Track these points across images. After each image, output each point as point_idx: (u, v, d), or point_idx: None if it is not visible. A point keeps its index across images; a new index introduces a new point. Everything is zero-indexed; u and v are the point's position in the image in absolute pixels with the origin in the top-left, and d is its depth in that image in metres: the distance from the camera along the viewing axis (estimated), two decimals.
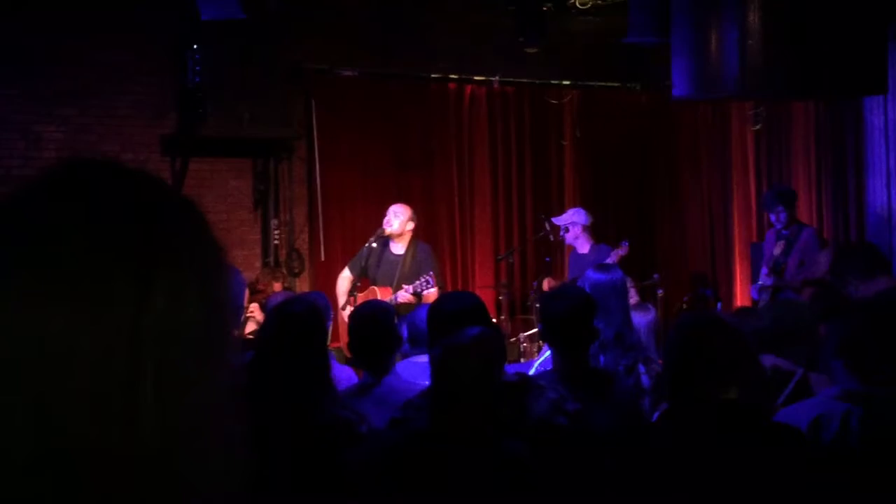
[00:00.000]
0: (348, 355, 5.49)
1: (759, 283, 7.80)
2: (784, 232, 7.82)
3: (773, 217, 7.93)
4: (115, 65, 8.23)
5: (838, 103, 8.58)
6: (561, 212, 8.72)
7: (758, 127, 9.72)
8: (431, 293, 6.70)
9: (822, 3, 5.85)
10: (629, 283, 8.38)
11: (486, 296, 9.47)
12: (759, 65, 5.87)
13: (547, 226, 8.48)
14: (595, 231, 8.22)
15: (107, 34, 8.18)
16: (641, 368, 3.80)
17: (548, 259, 9.31)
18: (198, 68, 7.97)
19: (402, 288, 6.93)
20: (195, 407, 0.70)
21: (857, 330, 2.93)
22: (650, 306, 4.81)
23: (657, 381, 3.65)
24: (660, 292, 8.46)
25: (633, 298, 8.53)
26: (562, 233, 8.10)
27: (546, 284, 8.10)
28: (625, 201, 10.54)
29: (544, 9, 9.14)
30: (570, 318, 3.55)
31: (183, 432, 0.68)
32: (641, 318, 4.41)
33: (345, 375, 4.03)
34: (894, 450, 2.81)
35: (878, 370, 2.91)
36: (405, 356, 4.07)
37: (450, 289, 8.85)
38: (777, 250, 7.73)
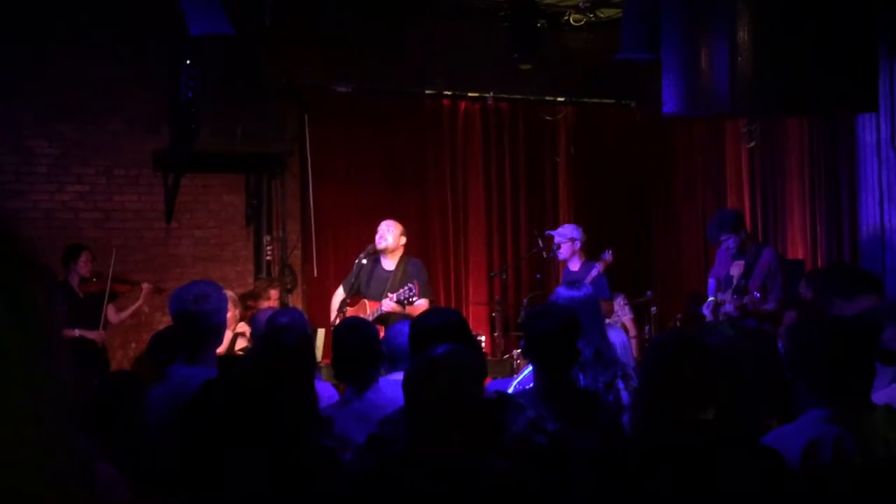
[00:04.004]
0: None
1: (710, 300, 7.14)
2: (739, 254, 7.10)
3: (723, 247, 7.17)
4: (107, 80, 8.24)
5: (831, 120, 8.57)
6: (555, 228, 8.69)
7: (752, 144, 9.71)
8: (418, 305, 6.67)
9: (813, 20, 5.84)
10: (623, 301, 8.49)
11: (480, 312, 9.48)
12: (750, 82, 5.84)
13: (540, 242, 8.46)
14: (588, 248, 8.19)
15: (100, 50, 8.19)
16: (620, 384, 3.78)
17: (539, 276, 9.29)
18: (191, 83, 7.97)
19: (387, 297, 6.89)
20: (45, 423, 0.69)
21: (832, 350, 2.86)
22: (625, 329, 4.70)
23: (635, 398, 3.62)
24: (653, 310, 8.43)
25: (627, 316, 8.55)
26: (554, 249, 8.06)
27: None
28: (619, 218, 10.52)
29: (538, 25, 9.16)
30: (555, 337, 3.53)
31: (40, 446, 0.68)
32: (615, 337, 4.36)
33: (326, 393, 4.00)
34: (891, 473, 2.76)
35: (857, 391, 2.86)
36: (386, 372, 4.05)
37: (442, 304, 8.83)
38: (736, 270, 7.01)
